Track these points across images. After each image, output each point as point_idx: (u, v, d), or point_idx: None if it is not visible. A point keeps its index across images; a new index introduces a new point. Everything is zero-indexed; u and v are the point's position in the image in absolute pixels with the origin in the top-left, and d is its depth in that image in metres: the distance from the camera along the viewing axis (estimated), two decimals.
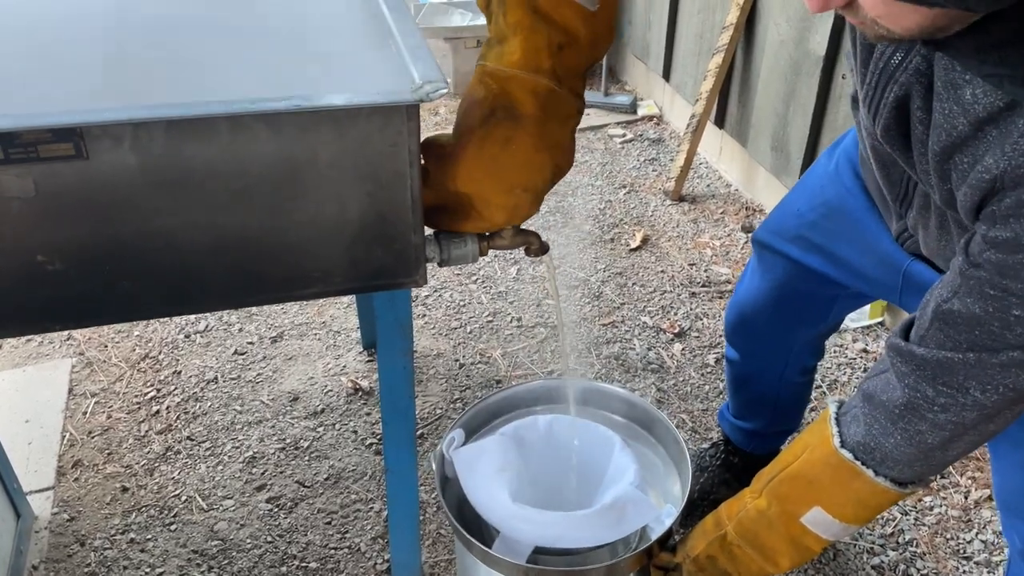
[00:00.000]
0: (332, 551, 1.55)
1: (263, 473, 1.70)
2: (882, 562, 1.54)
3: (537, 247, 1.00)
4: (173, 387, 1.91)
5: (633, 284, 2.24)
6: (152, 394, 1.89)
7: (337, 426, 1.81)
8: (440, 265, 0.96)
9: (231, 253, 0.85)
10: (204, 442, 1.77)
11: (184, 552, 1.55)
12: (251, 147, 0.79)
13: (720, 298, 2.19)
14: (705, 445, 1.69)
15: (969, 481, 1.68)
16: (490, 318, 2.12)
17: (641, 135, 2.95)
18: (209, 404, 1.86)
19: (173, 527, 1.59)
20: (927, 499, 1.65)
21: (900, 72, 0.80)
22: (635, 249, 2.38)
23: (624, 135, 2.95)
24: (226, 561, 1.53)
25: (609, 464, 1.18)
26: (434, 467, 1.18)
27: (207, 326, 2.08)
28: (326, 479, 1.69)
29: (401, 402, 1.10)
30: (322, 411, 1.84)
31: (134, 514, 1.62)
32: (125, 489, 1.67)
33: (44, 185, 0.75)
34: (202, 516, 1.62)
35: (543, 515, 1.07)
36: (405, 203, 0.86)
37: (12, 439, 1.74)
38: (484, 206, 0.91)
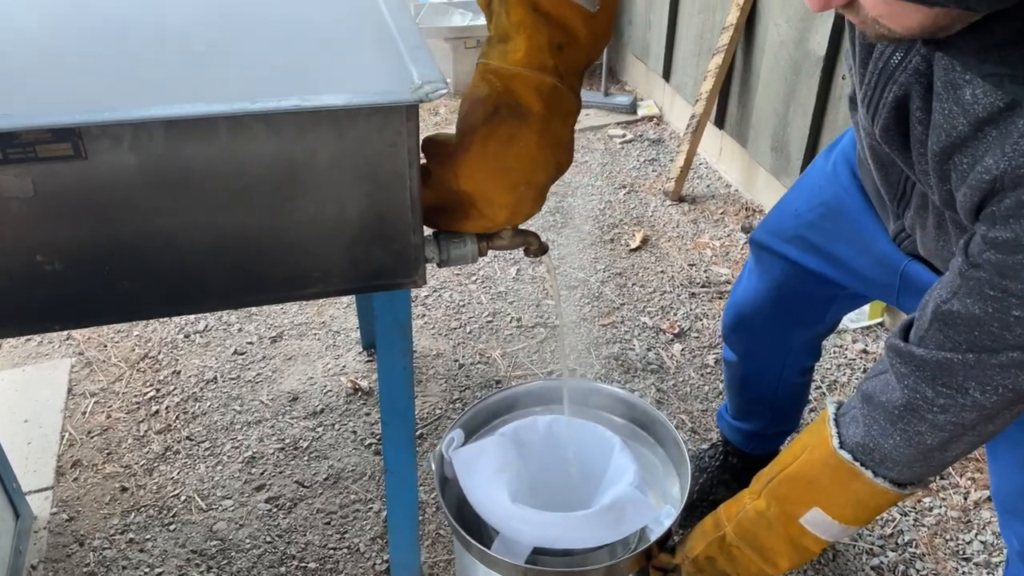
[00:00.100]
0: (331, 551, 1.55)
1: (262, 473, 1.70)
2: (881, 563, 1.54)
3: (536, 247, 1.00)
4: (172, 387, 1.91)
5: (633, 284, 2.24)
6: (151, 394, 1.89)
7: (336, 426, 1.81)
8: (439, 266, 0.96)
9: (231, 253, 0.85)
10: (203, 442, 1.77)
11: (183, 552, 1.55)
12: (250, 147, 0.79)
13: (720, 298, 2.19)
14: (704, 446, 1.69)
15: (969, 482, 1.68)
16: (490, 318, 2.12)
17: (641, 135, 2.95)
18: (208, 404, 1.86)
19: (172, 527, 1.59)
20: (926, 500, 1.65)
21: (899, 72, 0.80)
22: (635, 249, 2.38)
23: (624, 135, 2.95)
24: (225, 561, 1.53)
25: (608, 465, 1.18)
26: (433, 467, 1.18)
27: (207, 326, 2.08)
28: (325, 479, 1.69)
29: (400, 402, 1.10)
30: (321, 411, 1.84)
31: (133, 514, 1.62)
32: (124, 489, 1.67)
33: (43, 185, 0.75)
34: (201, 516, 1.62)
35: (542, 516, 1.07)
36: (404, 203, 0.86)
37: (11, 439, 1.74)
38: (486, 205, 0.90)
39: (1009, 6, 0.59)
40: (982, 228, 0.75)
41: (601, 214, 2.53)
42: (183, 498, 1.65)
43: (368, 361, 1.98)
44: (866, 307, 2.06)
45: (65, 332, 2.03)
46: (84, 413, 1.84)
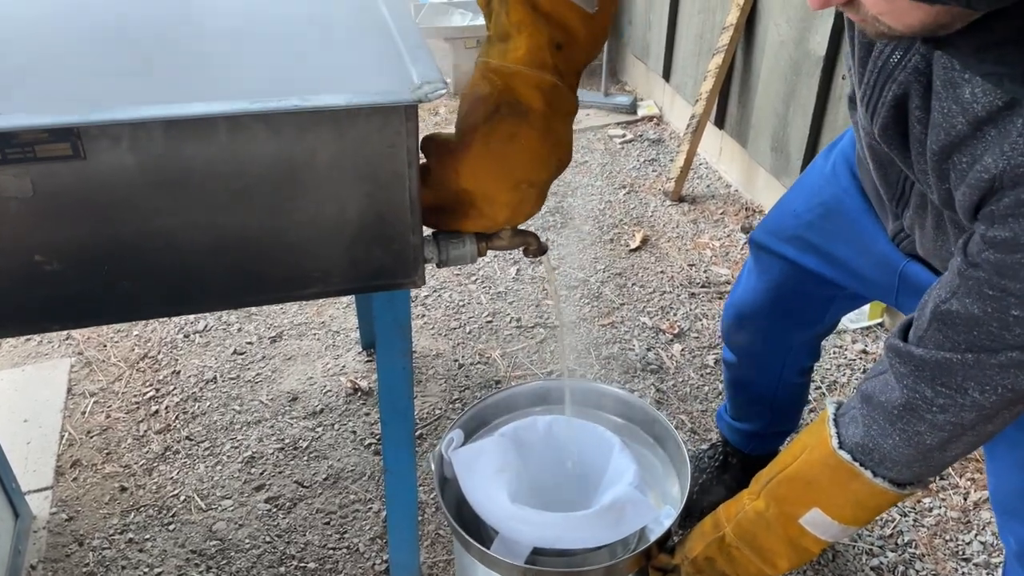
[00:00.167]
0: (331, 551, 1.55)
1: (262, 473, 1.70)
2: (881, 563, 1.54)
3: (536, 248, 1.00)
4: (172, 387, 1.91)
5: (632, 284, 2.24)
6: (151, 394, 1.89)
7: (336, 426, 1.81)
8: (439, 266, 0.96)
9: (230, 253, 0.85)
10: (203, 442, 1.77)
11: (182, 552, 1.55)
12: (250, 147, 0.79)
13: (719, 299, 2.19)
14: (704, 446, 1.69)
15: (968, 483, 1.68)
16: (489, 318, 2.12)
17: (641, 135, 2.95)
18: (208, 404, 1.86)
19: (172, 527, 1.59)
20: (926, 500, 1.65)
21: (899, 71, 0.80)
22: (635, 249, 2.38)
23: (624, 135, 2.95)
24: (224, 561, 1.53)
25: (608, 465, 1.18)
26: (433, 467, 1.18)
27: (206, 326, 2.08)
28: (325, 479, 1.69)
29: (400, 402, 1.10)
30: (321, 411, 1.84)
31: (132, 514, 1.62)
32: (124, 489, 1.67)
33: (42, 185, 0.75)
34: (200, 516, 1.62)
35: (542, 516, 1.07)
36: (404, 203, 0.86)
37: (11, 438, 1.74)
38: (487, 203, 0.90)
39: (1009, 4, 0.59)
40: (981, 227, 0.75)
41: (601, 214, 2.53)
42: (182, 498, 1.65)
43: (368, 361, 1.98)
44: (866, 308, 2.06)
45: (65, 332, 2.03)
46: (84, 413, 1.84)
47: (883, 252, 1.09)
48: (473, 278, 2.26)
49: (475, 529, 1.12)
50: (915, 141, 0.81)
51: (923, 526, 1.60)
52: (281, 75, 0.86)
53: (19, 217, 0.77)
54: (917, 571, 1.52)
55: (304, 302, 2.15)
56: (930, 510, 1.63)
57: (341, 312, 2.13)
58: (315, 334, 2.06)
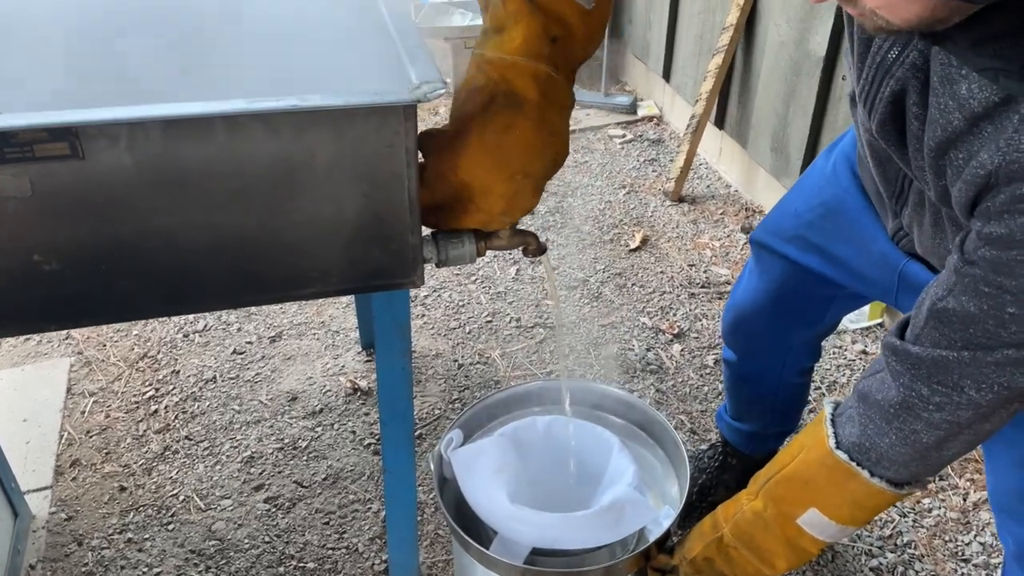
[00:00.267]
0: (330, 551, 1.55)
1: (261, 473, 1.70)
2: (880, 564, 1.54)
3: (535, 247, 1.00)
4: (171, 387, 1.91)
5: (632, 285, 2.24)
6: (150, 393, 1.89)
7: (335, 426, 1.81)
8: (438, 266, 0.96)
9: (229, 253, 0.85)
10: (202, 442, 1.77)
11: (182, 552, 1.55)
12: (248, 147, 0.79)
13: (719, 299, 2.19)
14: (703, 447, 1.69)
15: (968, 483, 1.68)
16: (489, 318, 2.12)
17: (641, 135, 2.95)
18: (207, 404, 1.86)
19: (171, 527, 1.59)
20: (925, 501, 1.65)
21: (896, 67, 0.80)
22: (634, 250, 2.38)
23: (624, 135, 2.95)
24: (224, 561, 1.53)
25: (608, 465, 1.18)
26: (432, 468, 1.18)
27: (206, 326, 2.08)
28: (324, 479, 1.69)
29: (399, 402, 1.10)
30: (320, 411, 1.84)
31: (132, 514, 1.62)
32: (123, 489, 1.67)
33: (40, 185, 0.75)
34: (200, 516, 1.62)
35: (541, 516, 1.07)
36: (402, 203, 0.86)
37: (10, 438, 1.74)
38: (483, 196, 0.90)
39: None
40: (977, 224, 0.75)
41: (601, 214, 2.53)
42: (182, 498, 1.65)
43: (367, 361, 1.98)
44: (866, 308, 2.06)
45: (64, 331, 2.04)
46: (83, 412, 1.84)
47: (883, 251, 1.09)
48: (473, 278, 2.26)
49: (474, 529, 1.12)
50: (912, 137, 0.81)
51: (922, 527, 1.60)
52: (280, 75, 0.86)
53: (18, 217, 0.77)
54: (916, 572, 1.52)
55: (303, 302, 2.15)
56: (929, 511, 1.63)
57: (341, 312, 2.13)
58: (315, 334, 2.06)
